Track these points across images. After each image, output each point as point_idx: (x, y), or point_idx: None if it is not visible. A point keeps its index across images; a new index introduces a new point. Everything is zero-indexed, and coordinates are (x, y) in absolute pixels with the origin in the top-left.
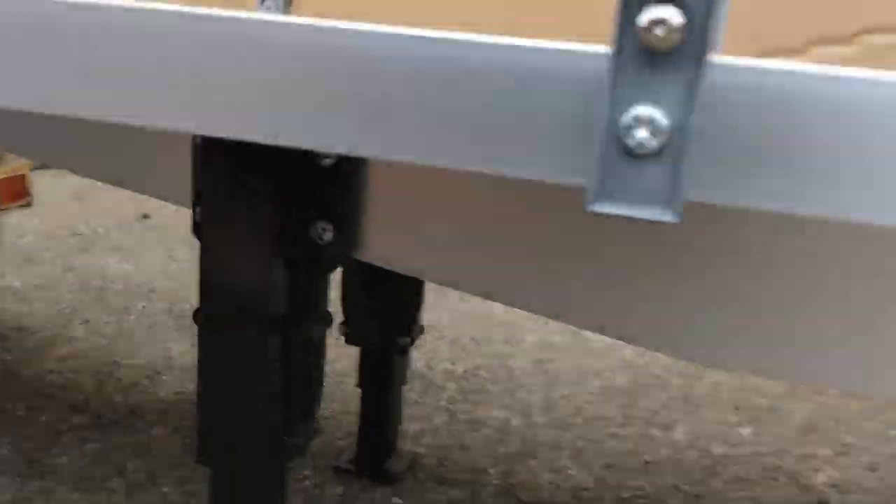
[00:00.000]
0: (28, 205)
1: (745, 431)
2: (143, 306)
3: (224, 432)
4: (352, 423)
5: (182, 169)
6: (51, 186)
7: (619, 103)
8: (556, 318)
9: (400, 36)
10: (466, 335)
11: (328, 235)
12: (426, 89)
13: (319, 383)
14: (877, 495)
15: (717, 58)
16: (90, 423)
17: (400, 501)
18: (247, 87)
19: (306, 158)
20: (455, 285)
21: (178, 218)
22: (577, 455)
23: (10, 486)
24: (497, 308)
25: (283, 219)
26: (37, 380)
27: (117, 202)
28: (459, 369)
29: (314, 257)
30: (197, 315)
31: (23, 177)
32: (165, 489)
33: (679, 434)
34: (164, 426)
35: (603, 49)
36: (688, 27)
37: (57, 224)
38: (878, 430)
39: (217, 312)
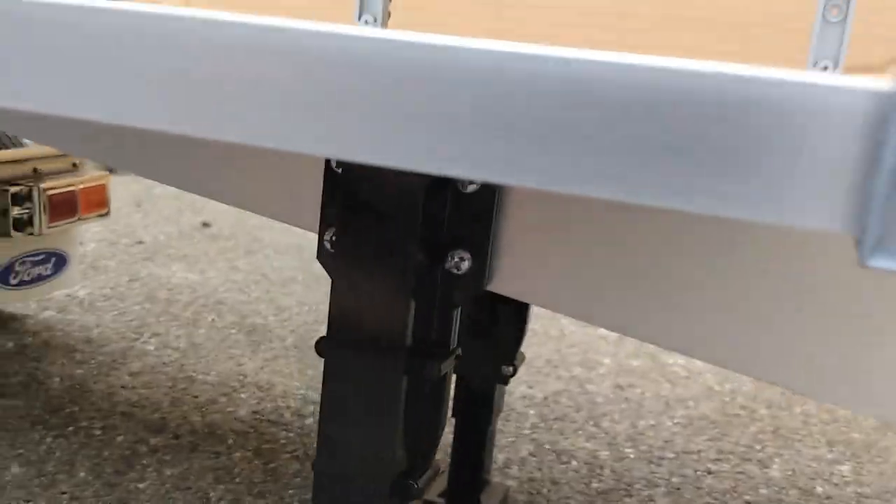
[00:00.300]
0: (107, 214)
1: (844, 469)
2: (213, 319)
3: (345, 471)
4: (440, 454)
5: (303, 193)
6: (111, 194)
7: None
8: (688, 353)
9: (635, 66)
10: (541, 357)
11: (465, 265)
12: (651, 126)
13: (443, 422)
14: None
15: None
16: (168, 444)
17: None
18: (380, 109)
19: (450, 185)
20: (589, 319)
21: (237, 226)
22: (673, 493)
23: None
24: (568, 327)
25: (421, 247)
26: (110, 396)
27: (178, 210)
28: (539, 394)
29: (449, 288)
30: (321, 344)
31: (103, 187)
32: (242, 477)
33: (776, 471)
34: (244, 449)
35: (888, 85)
36: None
37: (119, 232)
38: None
39: (346, 343)
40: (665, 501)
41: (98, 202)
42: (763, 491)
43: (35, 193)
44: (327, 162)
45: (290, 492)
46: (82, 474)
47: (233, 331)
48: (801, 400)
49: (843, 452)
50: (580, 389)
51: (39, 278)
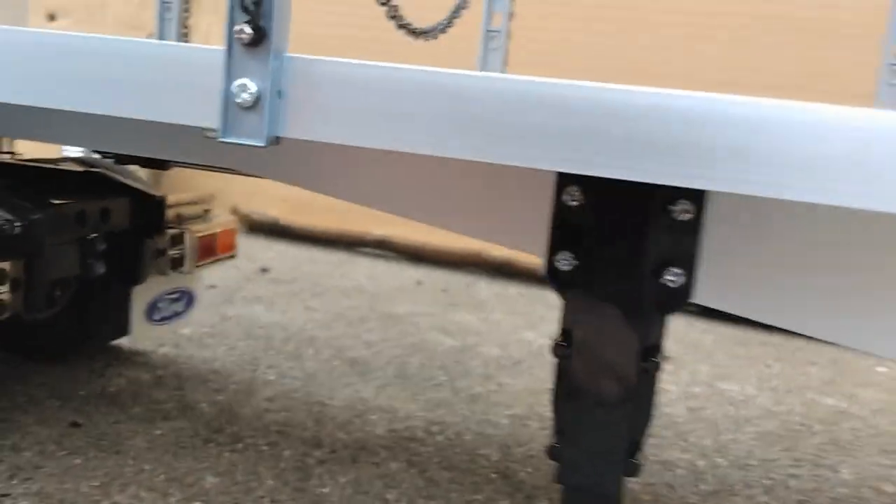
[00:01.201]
0: (234, 255)
1: None
2: (314, 352)
3: (584, 457)
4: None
5: (528, 222)
6: None
7: (231, 77)
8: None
9: None
10: None
11: (680, 280)
12: None
13: (652, 415)
14: None
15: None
16: (329, 457)
17: None
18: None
19: (666, 211)
20: (791, 327)
21: (294, 271)
22: (770, 491)
23: None
24: None
25: (651, 262)
26: (259, 417)
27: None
28: None
29: (665, 300)
30: (558, 349)
31: (234, 230)
32: (409, 484)
33: (846, 474)
34: (397, 461)
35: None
36: (263, 31)
37: None
38: None
39: (587, 349)
40: (765, 499)
41: (229, 244)
42: (842, 490)
43: (186, 236)
44: (557, 194)
45: (453, 496)
46: (270, 482)
47: (336, 363)
48: (847, 416)
49: None
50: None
51: (174, 315)
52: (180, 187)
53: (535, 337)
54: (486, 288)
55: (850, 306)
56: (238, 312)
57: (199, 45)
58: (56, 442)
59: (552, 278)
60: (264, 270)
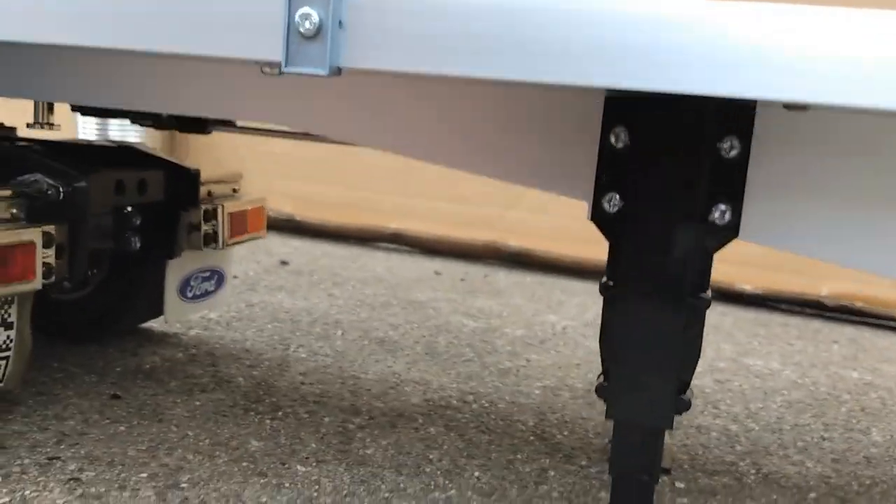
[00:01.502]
0: (264, 235)
1: None
2: (342, 333)
3: (635, 391)
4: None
5: (571, 165)
6: None
7: (293, 7)
8: None
9: None
10: None
11: (727, 217)
12: None
13: (699, 353)
14: None
15: None
16: (369, 423)
17: (682, 486)
18: None
19: (714, 149)
20: (834, 261)
21: (313, 263)
22: (803, 451)
23: (335, 474)
24: None
25: (699, 200)
26: (295, 390)
27: (251, 251)
28: None
29: (712, 237)
30: (607, 287)
31: (263, 209)
32: (476, 473)
33: (877, 436)
34: (436, 426)
35: None
36: None
37: None
38: None
39: (635, 287)
40: (800, 457)
41: (260, 223)
42: (874, 450)
43: (220, 211)
44: (604, 136)
45: (493, 455)
46: (313, 445)
47: (365, 342)
48: (873, 387)
49: None
50: None
51: (205, 294)
52: (204, 170)
53: (558, 319)
54: (503, 277)
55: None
56: (262, 300)
57: None
58: (98, 412)
59: (599, 220)
60: (284, 263)
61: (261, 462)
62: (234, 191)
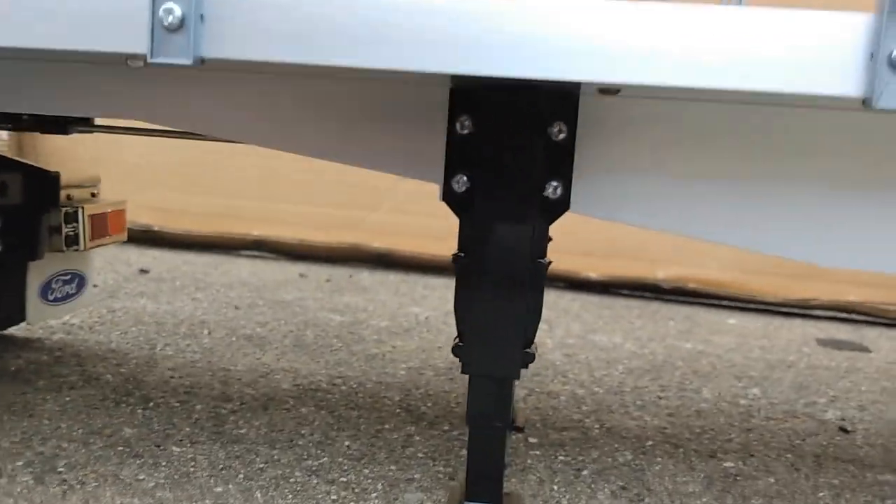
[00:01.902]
0: (125, 239)
1: (753, 391)
2: (208, 332)
3: (486, 347)
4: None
5: (423, 151)
6: None
7: (157, 3)
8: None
9: None
10: None
11: (559, 192)
12: None
13: (540, 312)
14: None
15: None
16: (240, 408)
17: (535, 440)
18: None
19: (545, 133)
20: (657, 227)
21: (174, 271)
22: (642, 409)
23: (210, 452)
24: None
25: (534, 178)
26: (163, 383)
27: (108, 261)
28: None
29: (548, 209)
30: (458, 258)
31: (124, 212)
32: (347, 443)
33: (707, 394)
34: (305, 406)
35: None
36: None
37: None
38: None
39: (482, 257)
40: (639, 413)
41: (120, 226)
42: (704, 405)
43: (80, 213)
44: (450, 124)
45: (363, 427)
46: (187, 429)
47: (233, 339)
48: (704, 355)
49: (747, 381)
50: (540, 358)
51: (67, 297)
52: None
53: (421, 311)
54: (368, 277)
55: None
56: (124, 305)
57: None
58: None
59: (450, 199)
60: (143, 272)
61: (136, 446)
62: (93, 195)
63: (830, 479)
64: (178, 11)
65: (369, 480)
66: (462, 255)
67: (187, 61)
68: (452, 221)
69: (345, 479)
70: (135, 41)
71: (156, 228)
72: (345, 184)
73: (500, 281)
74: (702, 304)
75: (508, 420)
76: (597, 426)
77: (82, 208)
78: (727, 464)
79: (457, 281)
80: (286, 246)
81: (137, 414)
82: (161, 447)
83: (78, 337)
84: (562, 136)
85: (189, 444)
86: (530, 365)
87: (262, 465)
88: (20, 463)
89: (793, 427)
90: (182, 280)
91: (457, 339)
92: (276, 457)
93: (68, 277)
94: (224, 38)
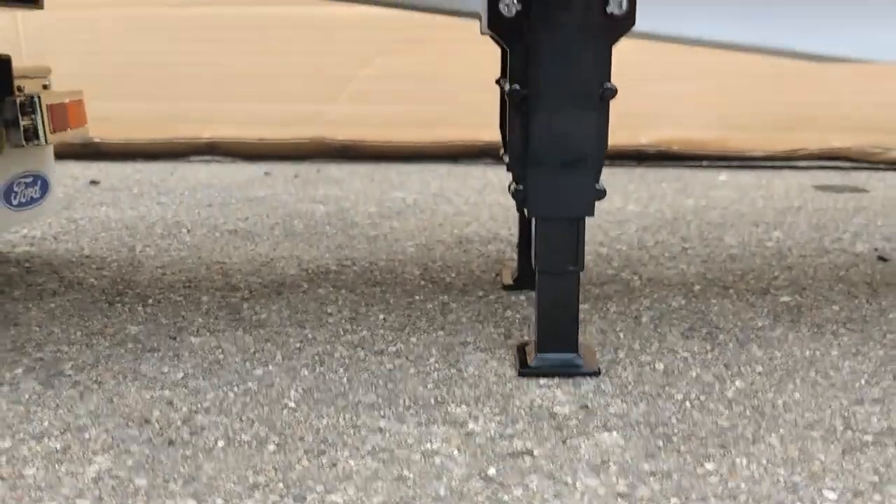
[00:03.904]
0: (86, 130)
1: (776, 234)
2: (188, 231)
3: (554, 187)
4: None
5: None
6: None
7: None
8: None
9: None
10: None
11: (624, 6)
12: None
13: (607, 142)
14: None
15: None
16: (252, 295)
17: None
18: None
19: None
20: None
21: (125, 181)
22: (673, 259)
23: (235, 338)
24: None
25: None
26: (156, 281)
27: (60, 174)
28: None
29: (610, 28)
30: (515, 94)
31: (82, 101)
32: (381, 316)
33: (730, 241)
34: (322, 288)
35: None
36: None
37: None
38: None
39: (543, 87)
40: (672, 264)
41: (81, 117)
42: (733, 251)
43: (38, 103)
44: None
45: (391, 300)
46: (199, 320)
47: (217, 235)
48: (709, 209)
49: (767, 227)
50: None
51: (31, 201)
52: None
53: (405, 195)
54: (336, 170)
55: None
56: (85, 215)
57: None
58: None
59: (498, 26)
60: (94, 183)
61: (147, 341)
62: (45, 87)
63: (893, 302)
64: None
65: (420, 347)
66: (517, 87)
67: None
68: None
69: (394, 349)
70: None
71: (96, 140)
72: (299, 76)
73: (565, 113)
74: (687, 165)
75: (583, 262)
76: (636, 278)
77: (38, 97)
78: (784, 298)
79: (513, 118)
80: (243, 146)
81: (138, 311)
82: (176, 339)
83: (44, 247)
84: None
85: (208, 333)
86: None
87: (297, 345)
88: (19, 370)
89: (831, 261)
90: (139, 188)
91: (515, 184)
92: (309, 336)
93: (30, 180)
94: None
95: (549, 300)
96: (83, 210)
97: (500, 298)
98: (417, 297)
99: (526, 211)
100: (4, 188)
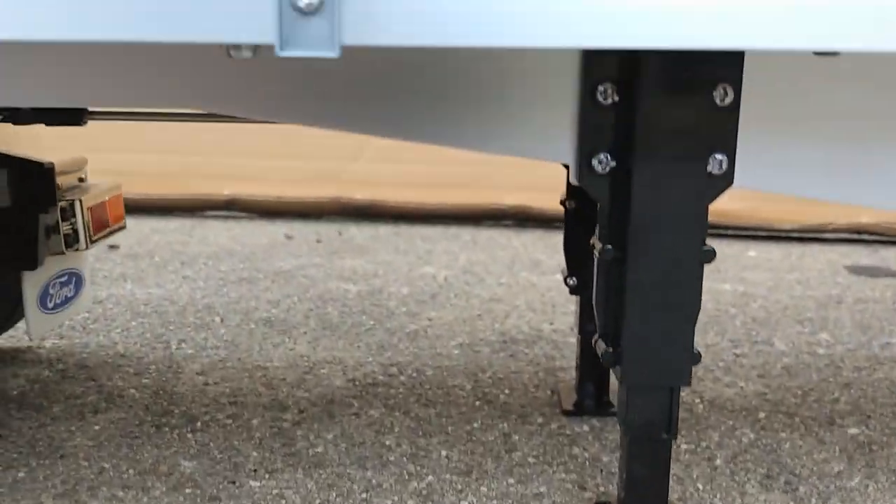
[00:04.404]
0: (124, 227)
1: (823, 337)
2: (220, 319)
3: (650, 354)
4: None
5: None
6: None
7: None
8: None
9: None
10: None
11: (724, 166)
12: None
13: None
14: None
15: None
16: (303, 417)
17: None
18: None
19: (709, 98)
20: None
21: (144, 245)
22: (728, 371)
23: (296, 483)
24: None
25: (697, 151)
26: (200, 393)
27: None
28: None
29: (709, 188)
30: (605, 253)
31: (120, 197)
32: (444, 452)
33: (781, 345)
34: (374, 408)
35: None
36: None
37: None
38: None
39: (638, 249)
40: (729, 378)
41: (119, 213)
42: (785, 360)
43: (78, 207)
44: (587, 93)
45: (450, 428)
46: (254, 454)
47: (251, 326)
48: (750, 297)
49: (811, 325)
50: None
51: (66, 300)
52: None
53: (435, 270)
54: (357, 233)
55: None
56: (110, 293)
57: None
58: None
59: (588, 182)
60: (113, 248)
61: (204, 484)
62: (81, 180)
63: None
64: None
65: (494, 502)
66: (609, 247)
67: (332, 53)
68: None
69: (466, 503)
70: (257, 28)
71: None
72: (319, 133)
73: (663, 277)
74: (717, 234)
75: (676, 429)
76: (697, 400)
77: (80, 201)
78: (852, 430)
79: (600, 277)
80: (261, 204)
81: (188, 439)
82: (236, 483)
83: (74, 341)
84: (727, 100)
85: (267, 475)
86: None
87: (363, 496)
88: None
89: (886, 375)
90: (160, 254)
91: (602, 342)
92: (373, 481)
93: (65, 279)
94: (371, 19)
95: (638, 467)
96: (107, 286)
97: (562, 428)
98: (476, 426)
99: (618, 377)
100: (41, 294)
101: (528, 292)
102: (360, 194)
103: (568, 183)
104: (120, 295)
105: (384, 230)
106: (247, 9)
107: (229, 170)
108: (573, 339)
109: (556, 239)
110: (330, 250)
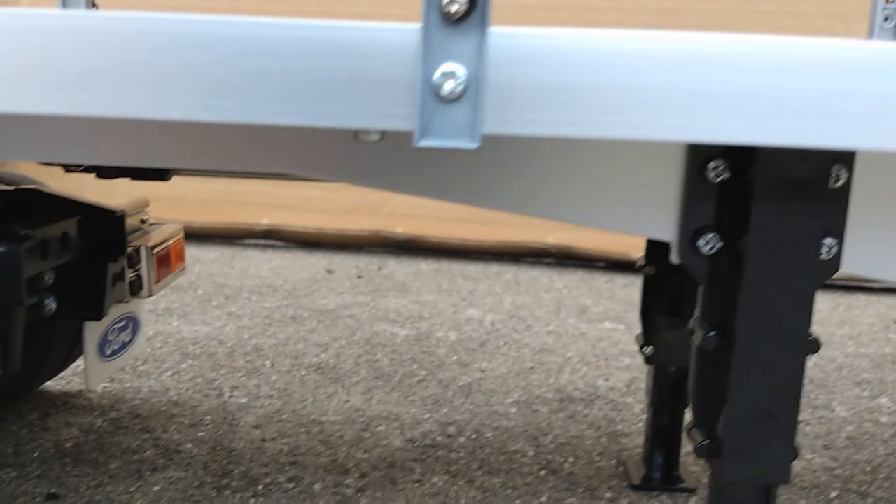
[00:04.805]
0: (184, 269)
1: (884, 402)
2: (271, 365)
3: (752, 451)
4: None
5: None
6: None
7: (431, 63)
8: None
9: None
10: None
11: (833, 250)
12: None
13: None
14: None
15: (495, 27)
16: (365, 483)
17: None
18: None
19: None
20: None
21: (186, 277)
22: None
23: None
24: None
25: (809, 235)
26: (258, 451)
27: None
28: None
29: (818, 273)
30: (707, 342)
31: (182, 240)
32: (466, 499)
33: (842, 411)
34: (436, 474)
35: (414, 25)
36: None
37: None
38: None
39: (744, 336)
40: None
41: (181, 255)
42: (849, 429)
43: (143, 253)
44: (695, 170)
45: (517, 502)
46: None
47: (302, 372)
48: None
49: (870, 388)
50: (629, 369)
51: (123, 346)
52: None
53: (481, 314)
54: (398, 268)
55: None
56: (157, 330)
57: (384, 24)
58: None
59: (692, 261)
60: None
61: None
62: (143, 221)
63: None
64: (461, 74)
65: None
66: (711, 331)
67: (472, 144)
68: None
69: None
70: (396, 115)
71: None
72: None
73: (768, 367)
74: None
75: None
76: None
77: (146, 247)
78: None
79: (700, 364)
80: (300, 234)
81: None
82: None
83: (125, 385)
84: (840, 182)
85: None
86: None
87: None
88: None
89: None
90: (203, 286)
91: (697, 432)
92: None
93: (123, 324)
94: (511, 108)
95: None
96: (154, 322)
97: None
98: (544, 500)
99: (715, 475)
100: (100, 342)
101: (578, 343)
102: (401, 227)
103: (647, 248)
104: (167, 333)
105: (425, 266)
106: (389, 98)
107: (268, 198)
108: (630, 400)
109: (600, 281)
110: (372, 287)
